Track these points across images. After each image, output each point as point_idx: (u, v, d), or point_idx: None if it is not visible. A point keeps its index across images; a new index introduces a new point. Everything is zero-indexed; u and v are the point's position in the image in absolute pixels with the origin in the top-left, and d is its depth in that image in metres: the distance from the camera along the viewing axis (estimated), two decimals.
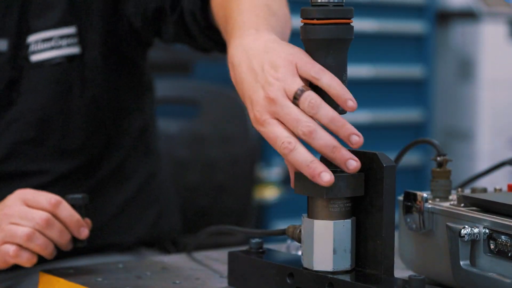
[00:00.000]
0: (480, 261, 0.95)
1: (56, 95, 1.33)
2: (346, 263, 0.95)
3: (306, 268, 0.96)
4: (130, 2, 1.35)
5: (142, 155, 1.46)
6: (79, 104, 1.34)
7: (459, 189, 1.03)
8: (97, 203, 1.37)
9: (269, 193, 3.31)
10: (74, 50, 1.34)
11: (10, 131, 1.33)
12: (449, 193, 1.03)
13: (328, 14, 0.95)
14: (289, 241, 1.18)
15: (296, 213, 1.78)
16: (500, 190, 1.06)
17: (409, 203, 1.03)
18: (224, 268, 1.10)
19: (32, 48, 1.32)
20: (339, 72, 0.97)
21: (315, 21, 0.96)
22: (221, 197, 1.71)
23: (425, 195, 1.02)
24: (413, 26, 3.72)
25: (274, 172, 3.31)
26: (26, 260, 1.12)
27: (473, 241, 0.95)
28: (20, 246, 1.12)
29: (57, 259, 1.31)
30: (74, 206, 1.15)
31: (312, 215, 0.96)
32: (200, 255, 1.24)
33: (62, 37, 1.33)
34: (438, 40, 3.89)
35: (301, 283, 0.97)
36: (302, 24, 0.97)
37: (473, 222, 0.95)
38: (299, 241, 1.00)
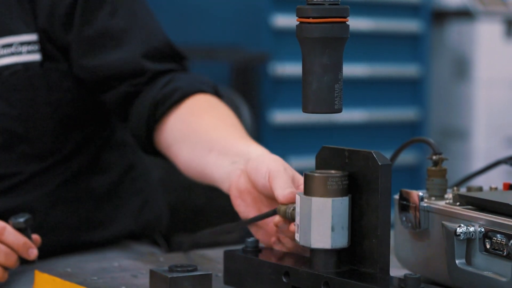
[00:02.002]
0: (476, 260, 0.95)
1: (20, 103, 1.31)
2: (343, 240, 0.95)
3: (303, 246, 0.96)
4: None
5: (116, 147, 1.44)
6: (45, 110, 1.32)
7: (455, 188, 1.03)
8: (74, 198, 1.37)
9: None
10: (35, 57, 1.31)
11: None
12: (445, 192, 1.04)
13: (324, 13, 0.95)
14: None
15: None
16: (496, 189, 1.06)
17: (405, 202, 1.03)
18: (219, 267, 1.10)
19: None
20: (335, 71, 0.97)
21: (310, 20, 0.96)
22: (216, 196, 1.71)
23: (420, 194, 1.02)
24: (409, 25, 3.72)
25: None
26: None
27: (469, 239, 0.95)
28: None
29: (47, 258, 1.32)
30: (19, 229, 1.15)
31: (309, 193, 0.96)
32: (196, 254, 1.24)
33: (22, 43, 1.31)
34: (434, 39, 3.89)
35: (297, 282, 0.97)
36: (298, 22, 0.97)
37: (468, 220, 0.95)
38: (293, 219, 1.00)
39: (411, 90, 3.76)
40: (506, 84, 3.94)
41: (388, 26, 3.66)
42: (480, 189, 1.05)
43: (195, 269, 1.01)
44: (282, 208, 1.03)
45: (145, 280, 1.09)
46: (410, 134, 3.66)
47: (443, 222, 0.97)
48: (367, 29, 3.57)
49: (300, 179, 1.09)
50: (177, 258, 1.23)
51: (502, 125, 3.92)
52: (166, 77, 1.33)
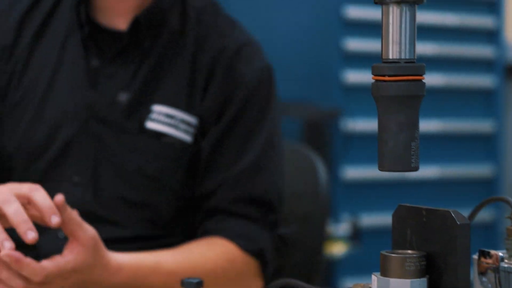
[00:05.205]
0: None
1: (157, 168, 1.37)
2: None
3: None
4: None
5: None
6: (173, 181, 1.38)
7: None
8: None
9: (337, 249, 3.28)
10: (187, 138, 1.39)
11: (109, 179, 1.37)
12: None
13: (400, 71, 0.95)
14: None
15: (363, 269, 1.75)
16: None
17: (485, 262, 1.01)
18: None
19: (153, 115, 1.38)
20: (411, 129, 0.96)
21: (386, 78, 0.96)
22: (291, 253, 1.71)
23: (500, 254, 0.99)
24: (482, 80, 3.68)
25: (342, 228, 3.28)
26: None
27: None
28: None
29: None
30: None
31: (386, 273, 0.95)
32: None
33: (182, 120, 1.38)
34: (508, 94, 3.85)
35: None
36: (374, 81, 0.97)
37: None
38: None
39: (485, 146, 3.71)
40: None
41: (461, 81, 3.63)
42: None
43: None
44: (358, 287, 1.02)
45: None
46: (484, 191, 3.59)
47: None
48: (440, 84, 3.55)
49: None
50: None
51: None
52: (238, 220, 1.39)
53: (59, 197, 1.14)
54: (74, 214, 1.15)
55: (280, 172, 1.44)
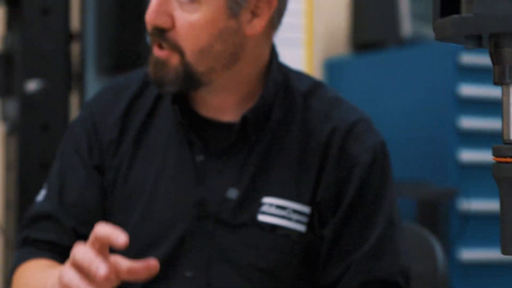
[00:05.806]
0: None
1: (272, 261, 1.35)
2: None
3: None
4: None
5: None
6: (288, 273, 1.35)
7: None
8: None
9: None
10: (301, 227, 1.35)
11: (222, 274, 1.35)
12: None
13: None
14: None
15: None
16: None
17: None
18: None
19: (264, 208, 1.34)
20: None
21: (508, 159, 0.94)
22: None
23: None
24: None
25: None
26: None
27: None
28: None
29: None
30: None
31: None
32: None
33: (295, 211, 1.35)
34: None
35: None
36: (493, 161, 0.96)
37: None
38: None
39: None
40: None
41: None
42: None
43: None
44: None
45: None
46: None
47: None
48: None
49: None
50: None
51: None
52: None
53: None
54: None
55: (403, 250, 1.39)
